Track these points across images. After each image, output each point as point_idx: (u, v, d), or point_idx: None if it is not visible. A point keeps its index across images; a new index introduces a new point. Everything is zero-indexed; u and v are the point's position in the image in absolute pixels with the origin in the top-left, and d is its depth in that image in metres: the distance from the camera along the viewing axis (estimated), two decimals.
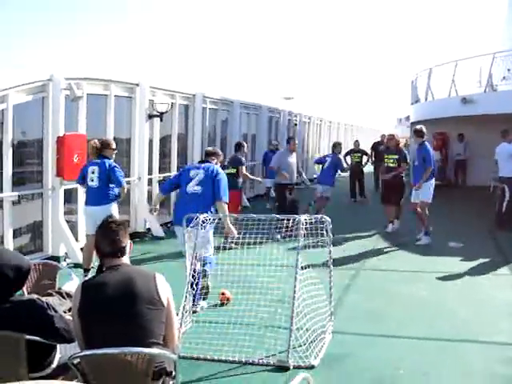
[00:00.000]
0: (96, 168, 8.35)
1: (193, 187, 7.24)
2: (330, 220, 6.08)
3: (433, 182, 11.28)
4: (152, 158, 12.54)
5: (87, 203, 8.49)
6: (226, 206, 7.22)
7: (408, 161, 12.41)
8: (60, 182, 9.49)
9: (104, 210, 7.93)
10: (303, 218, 5.78)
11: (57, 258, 9.27)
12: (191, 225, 6.22)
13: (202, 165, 7.52)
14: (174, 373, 3.55)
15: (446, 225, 12.98)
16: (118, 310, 3.39)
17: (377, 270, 9.16)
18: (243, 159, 12.08)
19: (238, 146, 12.47)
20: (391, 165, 12.12)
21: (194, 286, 6.22)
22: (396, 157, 12.07)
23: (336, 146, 13.91)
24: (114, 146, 8.65)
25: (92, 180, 8.34)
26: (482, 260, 9.60)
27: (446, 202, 14.11)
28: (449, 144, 21.64)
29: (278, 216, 6.11)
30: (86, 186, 8.51)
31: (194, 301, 6.51)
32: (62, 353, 3.80)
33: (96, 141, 8.62)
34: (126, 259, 3.64)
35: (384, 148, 14.46)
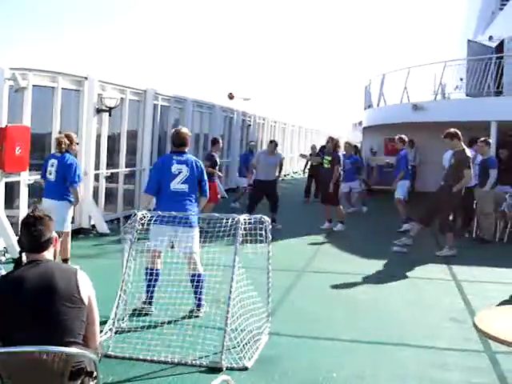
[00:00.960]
0: (55, 161, 8.25)
1: (178, 184, 6.70)
2: (269, 220, 6.04)
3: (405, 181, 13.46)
4: (100, 153, 12.33)
5: (44, 196, 8.39)
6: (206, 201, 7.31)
7: (340, 162, 12.84)
8: (0, 175, 9.23)
9: (58, 206, 7.96)
10: (242, 217, 5.72)
11: None
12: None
13: (182, 158, 6.80)
14: (95, 373, 3.44)
15: (391, 228, 13.13)
16: (34, 307, 3.26)
17: (320, 272, 9.17)
18: (217, 158, 13.26)
19: (213, 142, 13.54)
20: (326, 165, 12.85)
21: (199, 289, 6.39)
22: (330, 158, 12.80)
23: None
24: (77, 141, 8.58)
25: (50, 173, 8.24)
26: (424, 264, 9.72)
27: (393, 208, 14.24)
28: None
29: (216, 215, 6.03)
30: (45, 179, 8.40)
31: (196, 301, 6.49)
32: None
33: (63, 135, 8.51)
34: (47, 254, 3.50)
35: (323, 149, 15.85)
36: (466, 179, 10.20)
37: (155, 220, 6.22)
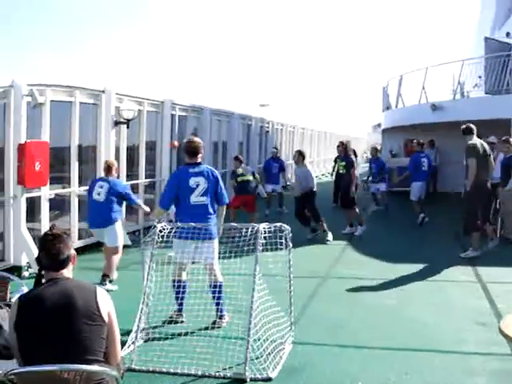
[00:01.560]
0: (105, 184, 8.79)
1: (197, 197, 6.71)
2: (289, 228, 6.00)
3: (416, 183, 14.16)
4: (119, 165, 12.36)
5: (93, 222, 9.01)
6: (224, 208, 7.14)
7: (355, 165, 12.94)
8: (21, 190, 9.30)
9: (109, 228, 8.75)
10: (262, 226, 5.69)
11: (19, 268, 9.10)
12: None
13: (198, 169, 6.80)
14: None
15: (415, 231, 13.04)
16: (54, 325, 3.26)
17: (342, 277, 9.09)
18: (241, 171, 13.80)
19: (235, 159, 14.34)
20: (341, 171, 13.21)
21: (220, 300, 6.46)
22: (344, 163, 13.05)
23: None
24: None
25: (99, 194, 8.74)
26: (449, 267, 9.60)
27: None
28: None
29: (235, 225, 6.01)
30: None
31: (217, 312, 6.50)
32: (2, 369, 3.67)
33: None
34: (66, 272, 3.50)
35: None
36: (470, 170, 10.02)
37: (176, 233, 6.23)
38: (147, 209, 9.75)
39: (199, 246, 6.44)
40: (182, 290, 6.46)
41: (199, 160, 6.89)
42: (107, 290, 8.37)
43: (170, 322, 6.41)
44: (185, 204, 6.75)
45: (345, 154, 12.98)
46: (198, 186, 6.72)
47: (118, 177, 9.72)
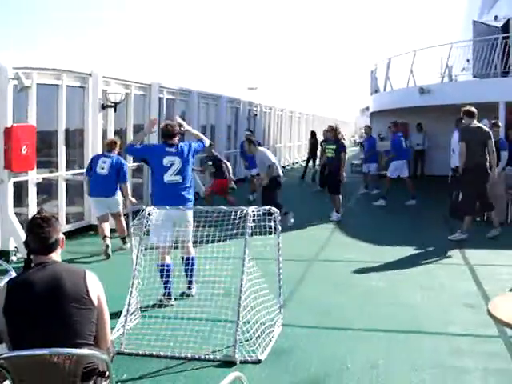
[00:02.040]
0: (108, 160, 9.66)
1: (171, 177, 6.96)
2: (278, 212, 6.00)
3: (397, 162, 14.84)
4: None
5: (94, 192, 9.72)
6: None
7: (346, 150, 12.82)
8: (8, 175, 9.23)
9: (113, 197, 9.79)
10: (251, 209, 5.69)
11: (6, 253, 9.06)
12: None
13: (173, 149, 7.04)
14: (107, 373, 3.42)
15: (403, 215, 13.12)
16: (43, 309, 3.24)
17: (331, 260, 9.14)
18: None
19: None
20: (330, 155, 12.74)
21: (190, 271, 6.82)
22: (334, 147, 12.63)
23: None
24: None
25: (102, 168, 9.57)
26: (436, 249, 9.66)
27: (405, 191, 14.20)
28: (408, 134, 21.79)
29: (224, 208, 6.00)
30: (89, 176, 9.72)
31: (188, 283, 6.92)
32: None
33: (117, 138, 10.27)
34: (55, 256, 3.47)
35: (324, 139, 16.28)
36: (461, 154, 10.10)
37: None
38: (133, 200, 10.15)
39: (177, 221, 6.73)
40: (166, 273, 6.61)
41: (175, 141, 7.14)
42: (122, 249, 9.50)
43: (160, 306, 6.43)
44: (158, 182, 7.05)
45: (335, 137, 12.75)
46: (172, 165, 6.97)
47: (120, 154, 9.99)
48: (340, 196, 12.63)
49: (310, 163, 22.66)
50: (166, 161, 6.97)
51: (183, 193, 6.99)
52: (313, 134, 22.92)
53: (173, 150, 7.04)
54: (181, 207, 6.64)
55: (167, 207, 6.41)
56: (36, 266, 3.42)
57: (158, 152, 7.10)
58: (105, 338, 3.50)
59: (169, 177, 6.95)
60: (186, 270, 6.85)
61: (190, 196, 7.10)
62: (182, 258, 6.91)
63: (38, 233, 3.42)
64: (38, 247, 3.44)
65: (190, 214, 6.84)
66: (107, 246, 9.34)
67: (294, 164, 30.17)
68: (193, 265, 6.85)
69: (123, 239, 9.96)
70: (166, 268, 6.62)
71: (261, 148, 12.40)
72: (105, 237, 9.49)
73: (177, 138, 7.18)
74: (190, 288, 6.95)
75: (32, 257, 3.48)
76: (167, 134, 7.15)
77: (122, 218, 10.05)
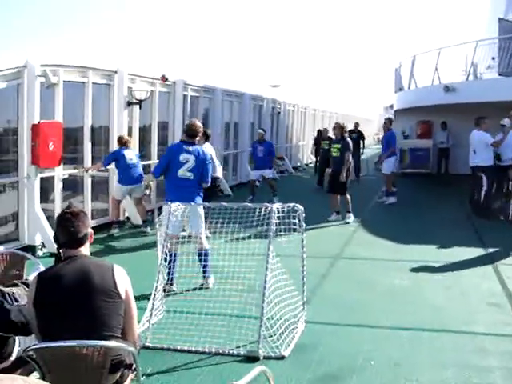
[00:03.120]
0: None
1: (184, 172, 7.37)
2: (302, 209, 6.02)
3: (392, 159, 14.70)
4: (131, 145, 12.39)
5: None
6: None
7: (350, 149, 12.16)
8: (35, 170, 9.36)
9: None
10: (275, 206, 5.72)
11: (33, 248, 9.18)
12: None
13: (191, 148, 7.47)
14: (134, 365, 3.49)
15: (426, 213, 13.04)
16: (73, 302, 3.31)
17: (354, 258, 9.13)
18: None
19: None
20: (334, 154, 12.19)
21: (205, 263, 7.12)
22: (339, 146, 12.13)
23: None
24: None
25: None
26: (461, 248, 9.60)
27: (429, 190, 14.16)
28: (432, 132, 21.66)
29: (249, 204, 6.04)
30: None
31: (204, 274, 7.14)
32: (21, 345, 3.74)
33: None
34: (84, 250, 3.54)
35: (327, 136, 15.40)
36: None
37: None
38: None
39: (187, 216, 7.02)
40: (173, 262, 6.71)
41: (195, 141, 7.61)
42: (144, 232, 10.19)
43: (164, 291, 6.41)
44: (172, 176, 7.46)
45: (341, 136, 12.20)
46: (187, 162, 7.39)
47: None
48: (348, 195, 12.03)
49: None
50: (182, 157, 7.39)
51: (193, 188, 7.37)
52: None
53: (190, 148, 7.46)
54: (192, 203, 6.98)
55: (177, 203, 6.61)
56: (65, 259, 3.49)
57: (176, 150, 7.59)
58: (132, 331, 3.56)
59: (182, 172, 7.37)
60: (200, 262, 7.11)
61: (199, 192, 7.48)
62: (197, 253, 7.15)
63: (67, 227, 3.48)
64: (67, 241, 3.51)
65: (200, 208, 7.16)
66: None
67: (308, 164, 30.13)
68: (206, 255, 7.12)
69: (144, 222, 11.31)
70: (173, 258, 6.66)
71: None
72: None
73: (197, 138, 7.71)
74: (206, 280, 7.12)
75: (61, 251, 3.55)
76: (190, 133, 7.59)
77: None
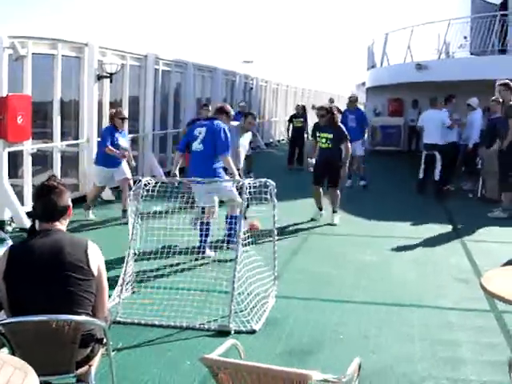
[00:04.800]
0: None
1: (196, 146, 7.47)
2: (274, 184, 6.03)
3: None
4: (102, 120, 12.26)
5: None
6: (229, 159, 7.44)
7: (347, 137, 9.78)
8: (3, 144, 9.17)
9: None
10: (247, 181, 5.71)
11: (1, 223, 9.05)
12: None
13: (207, 122, 7.66)
14: (104, 340, 3.47)
15: (396, 190, 13.17)
16: (43, 276, 3.27)
17: (325, 234, 9.19)
18: None
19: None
20: (325, 146, 9.75)
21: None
22: (330, 136, 9.67)
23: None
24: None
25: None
26: (431, 225, 9.72)
27: (400, 167, 14.27)
28: (404, 110, 21.78)
29: (220, 179, 6.03)
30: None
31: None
32: None
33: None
34: (59, 224, 3.48)
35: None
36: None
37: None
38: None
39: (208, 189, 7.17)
40: (205, 231, 7.16)
41: (217, 117, 7.77)
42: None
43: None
44: (190, 150, 7.67)
45: (332, 123, 9.73)
46: (199, 134, 7.50)
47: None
48: (339, 192, 9.99)
49: None
50: (196, 131, 7.58)
51: (205, 161, 7.37)
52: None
53: (206, 122, 7.68)
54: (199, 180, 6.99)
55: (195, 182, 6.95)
56: (39, 233, 3.43)
57: (193, 127, 7.90)
58: (102, 307, 3.53)
59: (195, 145, 7.50)
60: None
61: (213, 165, 7.40)
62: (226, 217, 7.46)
63: (44, 199, 3.43)
64: (43, 214, 3.46)
65: (220, 184, 7.28)
66: None
67: (278, 141, 30.13)
68: (231, 224, 6.91)
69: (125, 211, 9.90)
70: (205, 226, 7.17)
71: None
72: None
73: (222, 116, 7.81)
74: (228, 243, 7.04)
75: (37, 224, 3.49)
76: (216, 107, 8.14)
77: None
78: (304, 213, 10.27)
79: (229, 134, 7.51)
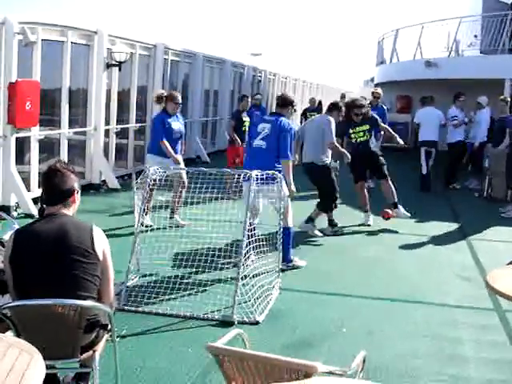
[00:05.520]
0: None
1: (258, 141, 6.88)
2: (282, 177, 6.02)
3: None
4: (110, 108, 12.27)
5: None
6: (289, 164, 6.83)
7: (380, 121, 9.97)
8: (11, 130, 9.19)
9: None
10: (254, 173, 5.70)
11: (7, 208, 9.07)
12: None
13: (271, 118, 7.02)
14: (109, 326, 3.48)
15: (403, 187, 13.13)
16: (48, 260, 3.27)
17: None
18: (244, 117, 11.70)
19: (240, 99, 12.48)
20: (362, 138, 9.44)
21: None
22: (366, 127, 9.46)
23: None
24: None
25: None
26: (436, 223, 9.72)
27: (408, 164, 14.24)
28: (412, 107, 21.69)
29: (228, 170, 6.03)
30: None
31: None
32: None
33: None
34: (65, 209, 3.47)
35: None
36: None
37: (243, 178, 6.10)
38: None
39: (261, 189, 6.16)
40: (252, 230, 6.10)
41: (282, 112, 7.01)
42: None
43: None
44: (249, 145, 7.13)
45: (366, 116, 9.48)
46: (263, 130, 6.89)
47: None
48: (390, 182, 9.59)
49: None
50: (260, 127, 6.94)
51: (265, 160, 6.63)
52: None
53: (272, 118, 7.00)
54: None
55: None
56: (46, 217, 3.44)
57: (256, 121, 7.36)
58: (108, 292, 3.54)
59: (257, 141, 6.90)
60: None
61: (272, 164, 6.58)
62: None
63: (49, 183, 3.44)
64: (48, 197, 3.47)
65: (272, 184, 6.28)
66: None
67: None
68: (285, 237, 6.42)
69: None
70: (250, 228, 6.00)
71: None
72: None
73: (287, 109, 7.05)
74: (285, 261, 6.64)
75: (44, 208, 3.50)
76: (278, 101, 7.22)
77: None
78: (309, 206, 10.25)
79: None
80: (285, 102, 7.08)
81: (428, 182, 12.96)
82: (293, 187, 6.76)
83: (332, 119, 8.35)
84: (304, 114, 18.43)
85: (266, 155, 6.74)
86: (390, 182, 9.47)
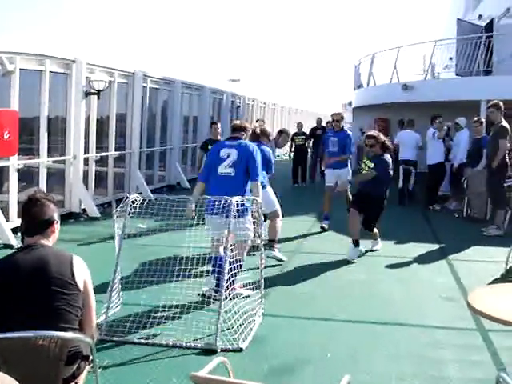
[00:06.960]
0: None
1: (225, 169, 6.57)
2: (262, 202, 6.03)
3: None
4: (89, 136, 12.25)
5: None
6: (260, 187, 6.72)
7: (390, 166, 8.89)
8: None
9: None
10: (234, 199, 5.71)
11: None
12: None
13: (235, 142, 6.74)
14: (90, 357, 3.44)
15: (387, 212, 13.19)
16: (29, 292, 3.23)
17: (312, 252, 9.18)
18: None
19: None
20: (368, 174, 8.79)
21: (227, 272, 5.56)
22: (373, 165, 8.70)
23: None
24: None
25: None
26: (417, 244, 9.77)
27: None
28: (390, 130, 21.90)
29: (208, 197, 6.02)
30: None
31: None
32: None
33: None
34: (45, 239, 3.44)
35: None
36: (501, 151, 10.37)
37: (206, 208, 6.06)
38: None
39: (223, 223, 5.90)
40: (217, 267, 5.98)
41: (241, 136, 6.85)
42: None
43: (203, 296, 6.22)
44: (213, 175, 6.69)
45: (383, 149, 8.77)
46: (228, 156, 6.62)
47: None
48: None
49: None
50: (223, 152, 6.66)
51: (234, 188, 6.37)
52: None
53: (234, 143, 6.74)
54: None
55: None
56: (24, 248, 3.40)
57: (217, 148, 6.87)
58: (90, 322, 3.50)
59: (222, 169, 6.60)
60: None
61: (242, 191, 6.45)
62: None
63: (27, 213, 3.41)
64: (26, 228, 3.43)
65: (244, 216, 6.20)
66: None
67: (276, 157, 30.21)
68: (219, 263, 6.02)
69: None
70: (217, 263, 6.07)
71: None
72: None
73: (243, 133, 6.90)
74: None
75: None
76: (233, 127, 7.07)
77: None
78: (290, 231, 10.27)
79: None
80: (238, 128, 6.96)
81: (402, 193, 14.20)
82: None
83: None
84: (292, 139, 18.39)
85: (234, 183, 6.53)
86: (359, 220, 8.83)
